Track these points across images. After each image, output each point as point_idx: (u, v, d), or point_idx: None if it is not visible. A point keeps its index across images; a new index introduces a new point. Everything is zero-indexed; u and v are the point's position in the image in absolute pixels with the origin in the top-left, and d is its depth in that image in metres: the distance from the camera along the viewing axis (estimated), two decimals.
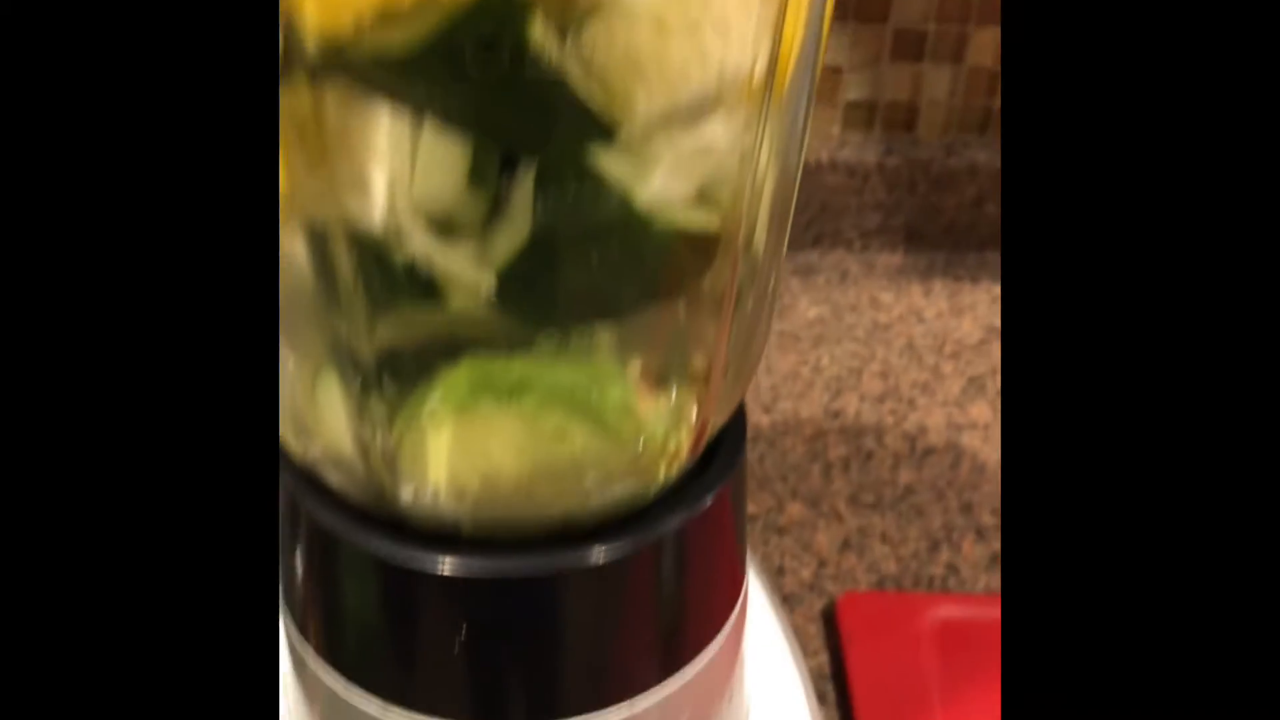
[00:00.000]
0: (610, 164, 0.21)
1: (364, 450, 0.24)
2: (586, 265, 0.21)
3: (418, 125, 0.20)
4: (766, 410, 0.62)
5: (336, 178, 0.20)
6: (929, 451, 0.60)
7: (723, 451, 0.30)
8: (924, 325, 0.67)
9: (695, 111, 0.21)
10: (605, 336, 0.23)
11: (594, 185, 0.20)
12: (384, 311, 0.22)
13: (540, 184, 0.20)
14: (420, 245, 0.21)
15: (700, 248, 0.24)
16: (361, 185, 0.20)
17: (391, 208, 0.20)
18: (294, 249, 0.22)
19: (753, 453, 0.60)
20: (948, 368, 0.65)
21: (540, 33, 0.19)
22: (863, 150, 0.70)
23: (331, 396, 0.24)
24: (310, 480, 0.27)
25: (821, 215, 0.71)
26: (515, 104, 0.19)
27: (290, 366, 0.24)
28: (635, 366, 0.25)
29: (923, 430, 0.61)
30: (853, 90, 0.69)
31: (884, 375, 0.64)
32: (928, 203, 0.70)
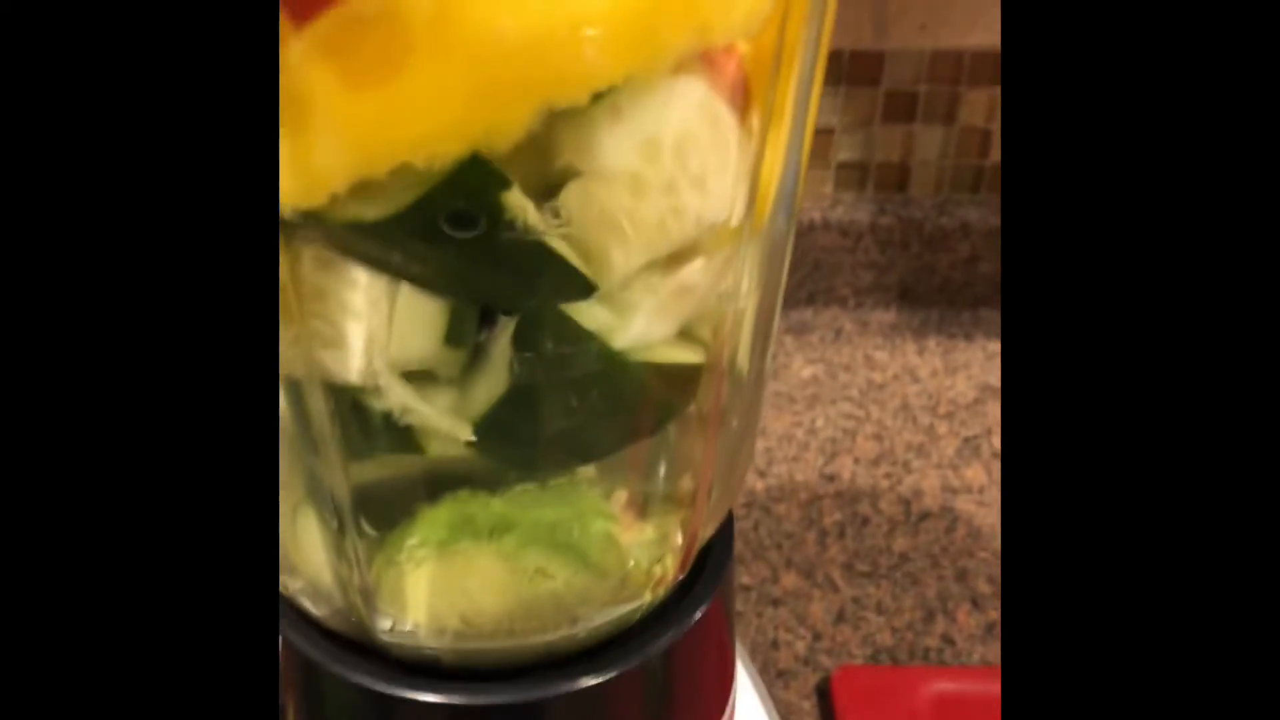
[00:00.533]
0: (590, 315, 0.21)
1: (343, 586, 0.24)
2: (567, 411, 0.21)
3: (394, 286, 0.20)
4: (761, 475, 0.61)
5: (312, 334, 0.20)
6: (924, 516, 0.59)
7: (710, 563, 0.29)
8: (918, 385, 0.67)
9: (674, 259, 0.21)
10: (587, 472, 0.23)
11: (573, 336, 0.20)
12: (361, 457, 0.22)
13: (519, 337, 0.20)
14: (397, 398, 0.21)
15: (683, 381, 0.24)
16: (337, 342, 0.20)
17: (368, 363, 0.20)
18: None
19: (747, 520, 0.59)
20: (942, 428, 0.65)
21: (517, 200, 0.19)
22: (855, 210, 0.70)
23: (310, 533, 0.24)
24: (292, 607, 0.26)
25: (815, 273, 0.71)
26: (492, 266, 0.19)
27: None
28: (619, 498, 0.24)
29: (918, 494, 0.61)
30: (845, 151, 0.69)
31: (879, 437, 0.64)
32: (921, 261, 0.70)
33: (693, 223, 0.20)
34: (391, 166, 0.18)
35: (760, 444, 0.63)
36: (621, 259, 0.20)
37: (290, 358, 0.21)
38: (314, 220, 0.19)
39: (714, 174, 0.20)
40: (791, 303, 0.73)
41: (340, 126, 0.18)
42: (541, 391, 0.21)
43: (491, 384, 0.21)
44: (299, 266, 0.20)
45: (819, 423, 0.65)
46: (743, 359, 0.26)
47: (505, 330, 0.20)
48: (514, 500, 0.23)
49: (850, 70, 0.67)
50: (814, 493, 0.61)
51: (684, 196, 0.20)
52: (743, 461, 0.29)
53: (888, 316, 0.72)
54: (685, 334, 0.23)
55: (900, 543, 0.59)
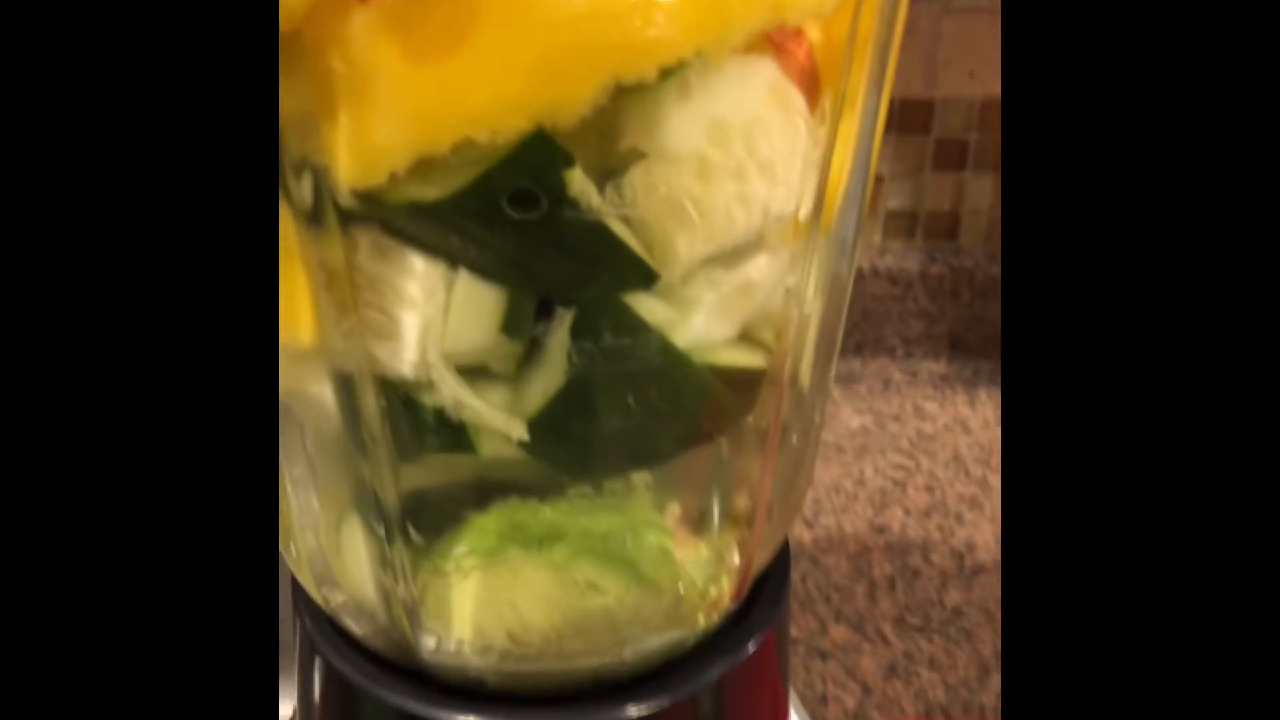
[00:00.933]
0: (650, 308, 0.20)
1: (386, 599, 0.23)
2: (624, 411, 0.20)
3: (451, 274, 0.19)
4: (809, 525, 0.60)
5: (366, 325, 0.19)
6: (978, 570, 0.57)
7: (766, 593, 0.28)
8: (970, 436, 0.65)
9: (739, 253, 0.20)
10: (642, 480, 0.22)
11: (633, 330, 0.19)
12: (411, 457, 0.21)
13: (577, 330, 0.19)
14: (450, 392, 0.20)
15: (744, 387, 0.23)
16: (392, 333, 0.19)
17: (422, 356, 0.20)
18: (321, 393, 0.21)
19: (795, 571, 0.57)
20: (995, 480, 0.63)
21: (579, 181, 0.18)
22: (904, 258, 0.69)
23: (355, 543, 0.23)
24: (331, 627, 0.25)
25: (864, 322, 0.70)
26: (552, 252, 0.19)
27: (314, 512, 0.23)
28: (674, 511, 0.23)
29: (970, 547, 0.59)
30: (894, 199, 0.69)
31: (930, 488, 0.62)
32: (971, 311, 0.69)
33: (760, 212, 0.20)
34: (454, 142, 0.17)
35: (809, 494, 0.62)
36: (685, 247, 0.19)
37: (343, 351, 0.20)
38: (372, 203, 0.18)
39: (783, 162, 0.19)
40: (839, 352, 0.72)
41: (402, 101, 0.17)
42: (598, 388, 0.20)
43: (547, 380, 0.20)
44: (355, 255, 0.19)
45: (868, 473, 0.63)
46: (805, 370, 0.25)
47: (562, 323, 0.20)
48: (565, 509, 0.22)
49: (900, 118, 0.67)
50: (863, 544, 0.59)
51: (752, 183, 0.19)
52: (802, 483, 0.27)
53: (938, 367, 0.70)
54: (747, 336, 0.22)
55: (953, 596, 0.56)
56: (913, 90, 0.67)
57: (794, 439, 0.25)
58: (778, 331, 0.22)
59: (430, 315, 0.19)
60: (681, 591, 0.24)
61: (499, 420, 0.20)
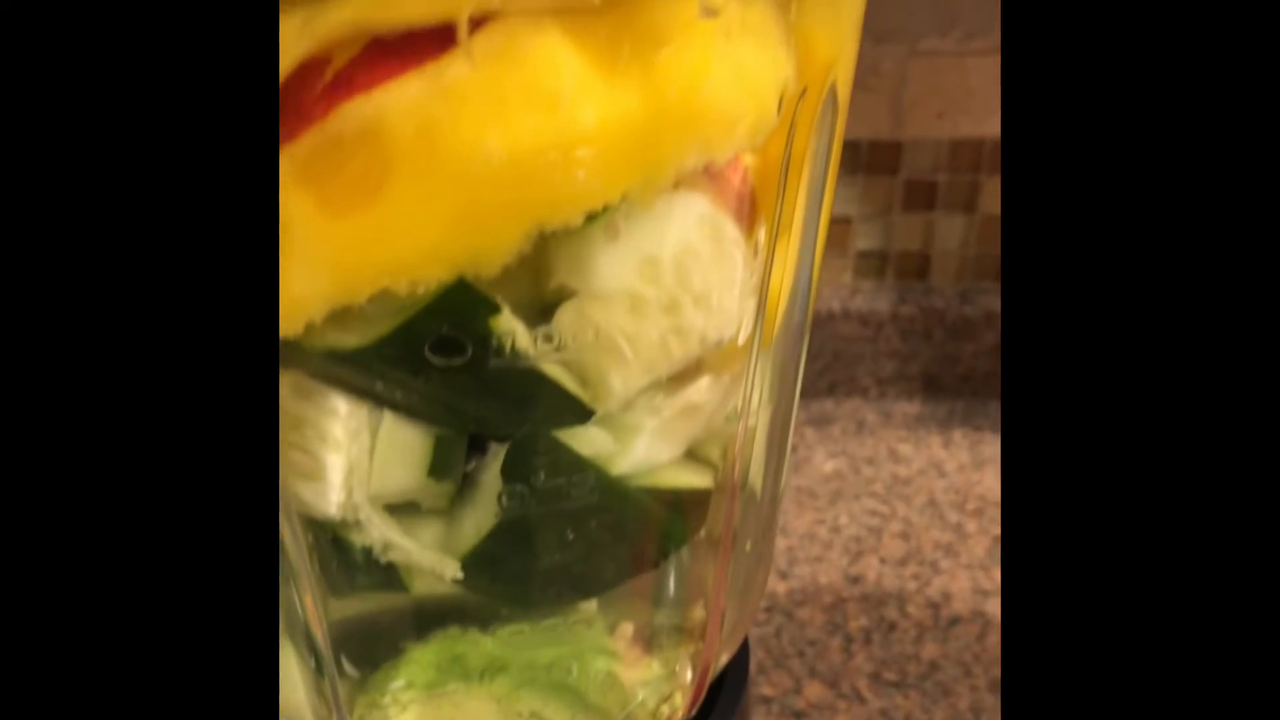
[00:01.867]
0: (588, 439, 0.19)
1: None
2: (562, 544, 0.20)
3: (376, 415, 0.18)
4: (783, 576, 0.59)
5: (289, 464, 0.19)
6: (954, 621, 0.56)
7: (723, 697, 0.27)
8: (945, 479, 0.65)
9: (678, 379, 0.20)
10: (586, 606, 0.22)
11: (568, 466, 0.19)
12: (341, 593, 0.20)
13: (508, 468, 0.19)
14: (379, 534, 0.19)
15: (691, 507, 0.22)
16: (316, 474, 0.19)
17: (348, 497, 0.19)
18: None
19: (769, 625, 0.57)
20: (971, 526, 0.62)
21: (506, 324, 0.17)
22: (875, 299, 0.69)
23: (289, 669, 0.22)
24: None
25: (835, 364, 0.70)
26: (480, 394, 0.18)
27: None
28: (623, 631, 0.23)
29: (947, 597, 0.58)
30: (863, 240, 0.68)
31: (905, 535, 0.61)
32: (944, 351, 0.68)
33: (697, 342, 0.19)
34: (372, 293, 0.17)
35: (782, 543, 0.61)
36: (620, 383, 0.19)
37: None
38: (289, 348, 0.18)
39: (719, 291, 0.19)
40: (812, 393, 0.71)
41: (318, 252, 0.17)
42: (534, 523, 0.19)
43: (481, 516, 0.19)
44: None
45: (842, 519, 0.62)
46: (755, 477, 0.24)
47: (496, 458, 0.19)
48: (507, 639, 0.21)
49: (868, 160, 0.67)
50: (838, 595, 0.58)
51: (687, 315, 0.19)
52: (758, 585, 0.27)
53: (911, 407, 0.70)
54: (692, 455, 0.21)
55: (930, 649, 0.56)
56: (880, 132, 0.67)
57: (747, 545, 0.25)
58: (724, 447, 0.22)
59: (355, 457, 0.19)
60: (632, 712, 0.23)
61: (430, 559, 0.19)
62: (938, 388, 0.71)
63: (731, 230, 0.19)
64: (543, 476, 0.19)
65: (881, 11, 0.66)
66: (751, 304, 0.20)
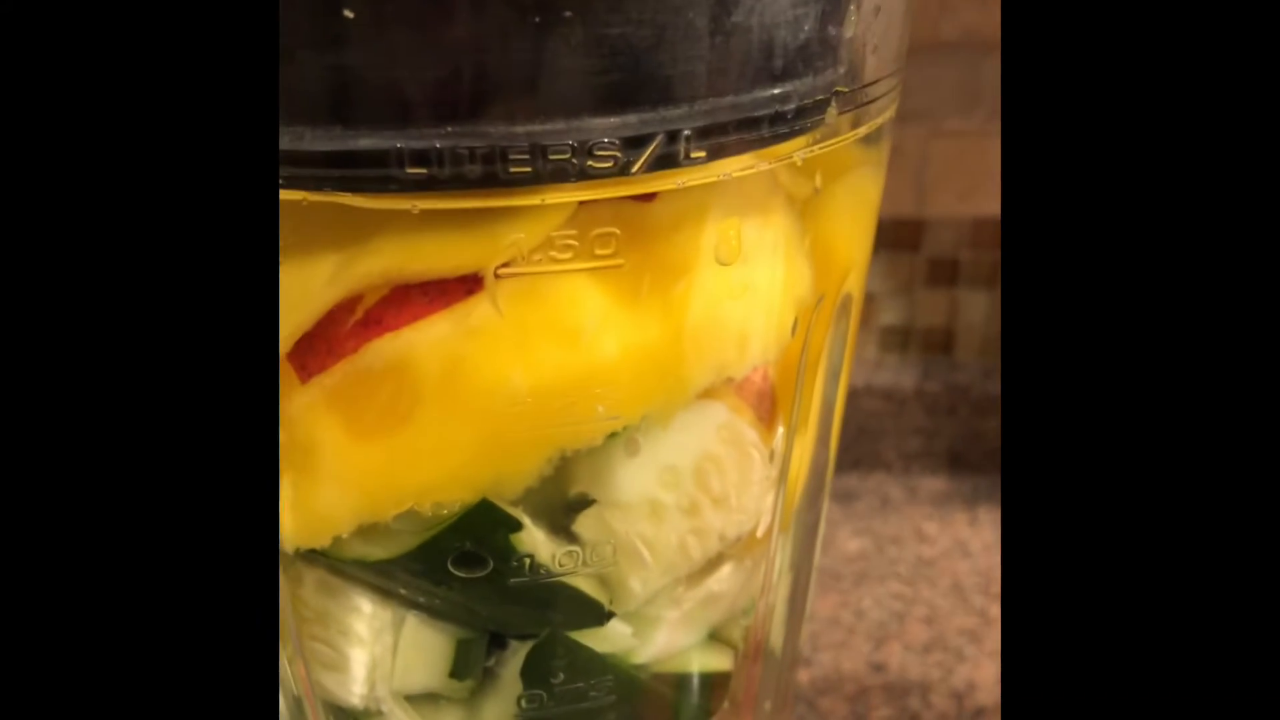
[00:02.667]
0: (606, 637, 0.19)
1: None
2: None
3: (399, 615, 0.19)
4: (807, 663, 0.59)
5: (312, 655, 0.19)
6: (978, 713, 0.56)
7: None
8: (970, 561, 0.64)
9: (699, 573, 0.20)
10: None
11: (587, 668, 0.19)
12: None
13: (527, 672, 0.19)
14: None
15: (712, 689, 0.22)
16: (339, 666, 0.19)
17: (370, 689, 0.19)
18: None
19: (793, 716, 0.56)
20: (995, 611, 0.62)
21: (528, 540, 0.18)
22: (899, 374, 0.69)
23: None
24: None
25: (860, 439, 0.70)
26: (501, 601, 0.18)
27: None
28: None
29: (971, 687, 0.58)
30: (887, 315, 0.68)
31: (929, 620, 0.61)
32: (969, 427, 0.68)
33: (716, 540, 0.19)
34: (398, 512, 0.17)
35: (806, 628, 0.61)
36: (640, 585, 0.19)
37: (290, 676, 0.20)
38: (316, 556, 0.18)
39: (737, 491, 0.19)
40: (837, 468, 0.71)
41: (345, 474, 0.17)
42: (554, 718, 0.20)
43: (501, 709, 0.20)
44: (300, 589, 0.19)
45: (866, 603, 0.62)
46: (775, 642, 0.24)
47: (516, 654, 0.19)
48: None
49: (891, 236, 0.67)
50: (861, 684, 0.58)
51: (706, 517, 0.19)
52: None
53: (937, 483, 0.70)
54: (714, 636, 0.22)
55: None
56: (903, 210, 0.67)
57: (767, 705, 0.25)
58: (746, 627, 0.22)
59: (378, 654, 0.19)
60: None
61: None
62: (963, 464, 0.70)
63: (750, 434, 0.19)
64: (561, 679, 0.19)
65: (905, 92, 0.66)
66: (771, 497, 0.20)
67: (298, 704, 0.20)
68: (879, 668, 0.59)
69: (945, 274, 0.67)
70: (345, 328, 0.16)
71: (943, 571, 0.64)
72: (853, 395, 0.69)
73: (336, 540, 0.18)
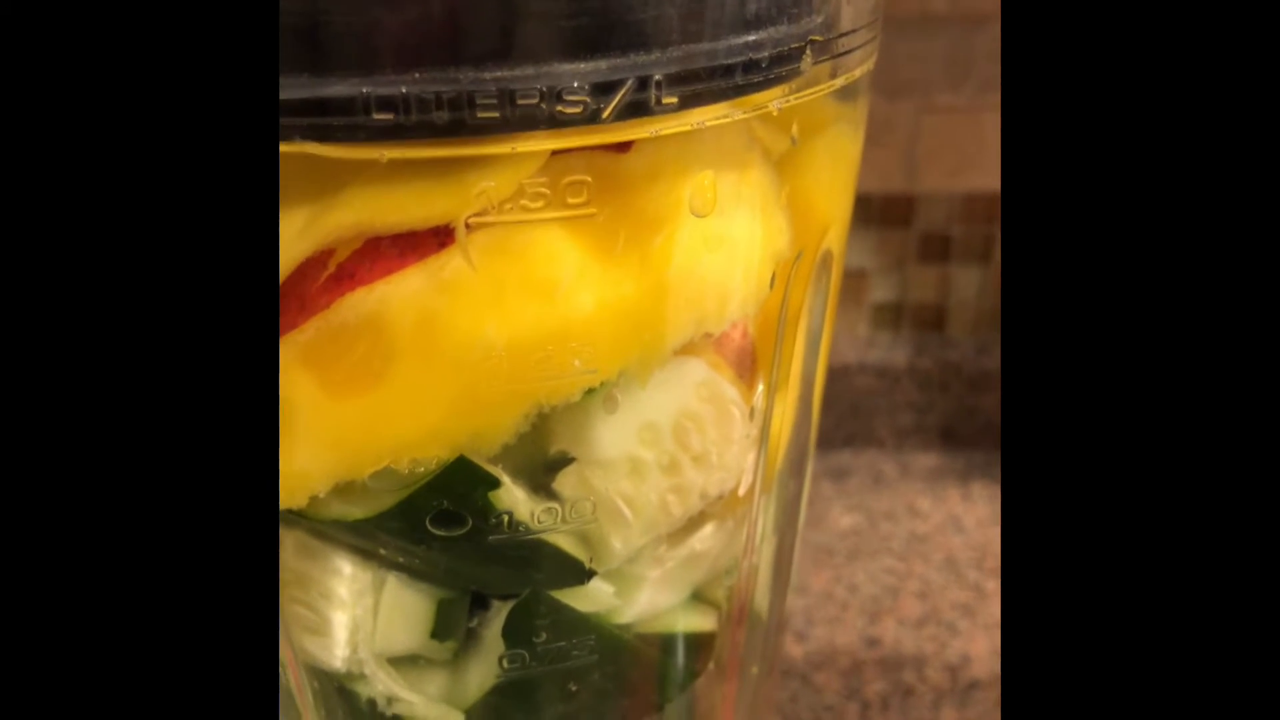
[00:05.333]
0: (589, 595, 0.19)
1: None
2: (566, 696, 0.20)
3: (380, 576, 0.19)
4: (801, 638, 0.59)
5: (294, 618, 0.19)
6: (972, 686, 0.56)
7: None
8: (963, 536, 0.64)
9: (681, 531, 0.20)
10: None
11: (569, 627, 0.19)
12: None
13: (509, 631, 0.19)
14: (383, 686, 0.19)
15: (696, 650, 0.22)
16: (320, 629, 0.19)
17: (353, 652, 0.19)
18: None
19: (786, 690, 0.56)
20: (990, 585, 0.62)
21: (506, 497, 0.18)
22: (892, 351, 0.69)
23: None
24: None
25: (852, 416, 0.70)
26: (482, 561, 0.18)
27: None
28: None
29: (965, 660, 0.58)
30: (879, 292, 0.68)
31: (923, 595, 0.61)
32: (962, 403, 0.68)
33: (697, 498, 0.19)
34: (374, 470, 0.17)
35: (800, 602, 0.61)
36: (621, 543, 0.19)
37: None
38: (293, 516, 0.18)
39: (718, 449, 0.19)
40: (829, 445, 0.71)
41: (320, 432, 0.17)
42: (537, 680, 0.19)
43: (484, 669, 0.19)
44: (280, 552, 0.19)
45: (859, 578, 0.62)
46: (760, 605, 0.24)
47: (498, 614, 0.19)
48: None
49: (881, 212, 0.67)
50: (855, 659, 0.58)
51: (687, 475, 0.19)
52: (765, 702, 0.27)
53: (929, 460, 0.70)
54: (697, 597, 0.21)
55: (948, 715, 0.55)
56: (894, 186, 0.67)
57: (754, 669, 0.25)
58: (729, 587, 0.22)
59: (360, 616, 0.19)
60: None
61: (435, 712, 0.20)
62: (956, 440, 0.71)
63: (730, 390, 0.19)
64: (544, 638, 0.19)
65: (894, 67, 0.66)
66: (752, 456, 0.20)
67: (281, 668, 0.20)
68: (873, 642, 0.59)
69: (937, 250, 0.67)
70: (317, 283, 0.16)
71: (936, 547, 0.64)
72: (845, 372, 0.69)
73: (313, 500, 0.17)
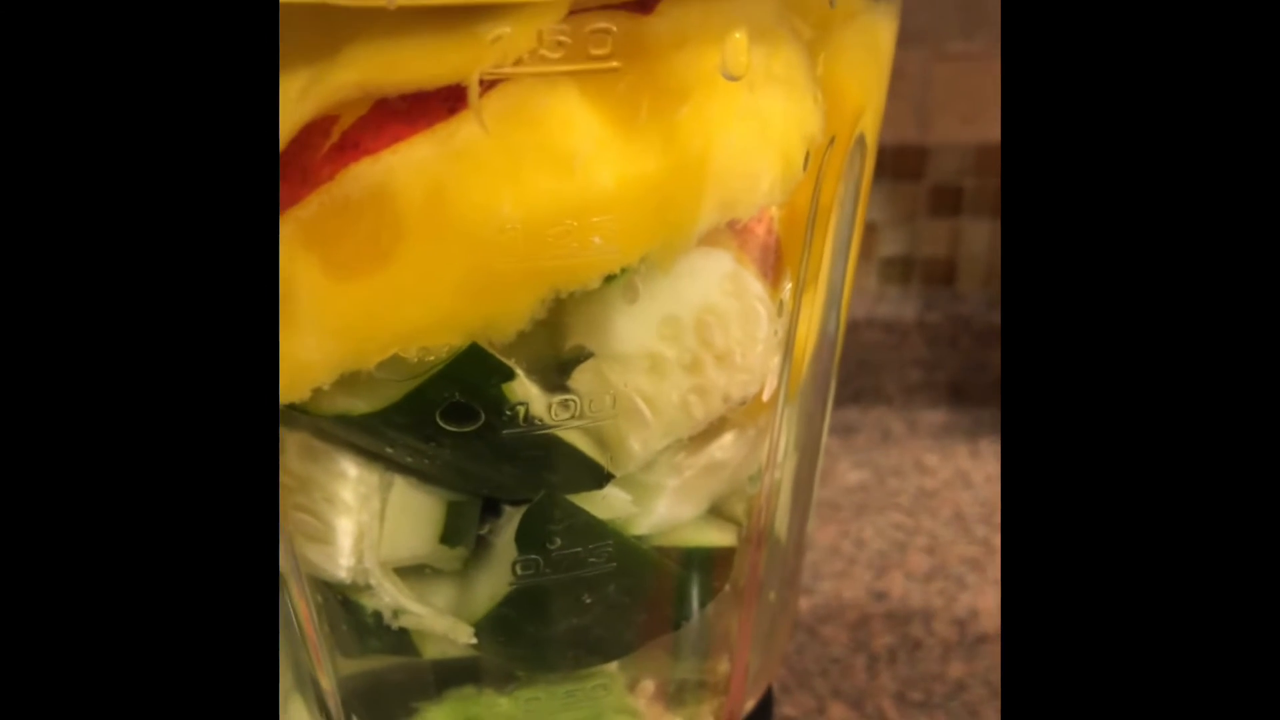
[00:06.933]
0: (608, 500, 0.18)
1: None
2: (579, 608, 0.19)
3: (387, 479, 0.18)
4: (808, 592, 0.58)
5: (296, 526, 0.18)
6: (980, 639, 0.55)
7: None
8: (971, 491, 0.64)
9: (701, 437, 0.19)
10: (605, 667, 0.21)
11: (584, 533, 0.18)
12: (351, 655, 0.20)
13: (522, 536, 0.18)
14: (390, 599, 0.19)
15: (715, 566, 0.21)
16: (325, 537, 0.18)
17: (358, 561, 0.18)
18: None
19: (792, 643, 0.56)
20: (998, 541, 0.61)
21: (521, 390, 0.17)
22: (901, 306, 0.68)
23: None
24: None
25: (860, 372, 0.69)
26: (494, 460, 0.17)
27: None
28: (644, 689, 0.22)
29: (973, 614, 0.57)
30: (889, 246, 0.67)
31: (931, 550, 0.60)
32: (971, 359, 0.67)
33: (720, 401, 0.18)
34: (381, 359, 0.16)
35: (806, 557, 0.60)
36: (640, 445, 0.18)
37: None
38: (296, 412, 0.17)
39: (742, 348, 0.18)
40: (836, 401, 0.70)
41: (325, 317, 0.16)
42: (550, 590, 0.19)
43: (495, 581, 0.19)
44: (282, 456, 0.18)
45: (867, 533, 0.61)
46: (780, 527, 0.23)
47: (510, 521, 0.18)
48: (523, 700, 0.20)
49: (893, 165, 0.65)
50: (862, 612, 0.57)
51: (709, 374, 0.18)
52: (783, 633, 0.26)
53: (938, 416, 0.69)
54: (716, 511, 0.21)
55: (956, 668, 0.55)
56: (905, 136, 0.65)
57: (772, 595, 0.24)
58: (749, 503, 0.21)
59: (365, 522, 0.18)
60: None
61: (444, 625, 0.19)
62: (964, 396, 0.70)
63: (756, 286, 0.18)
64: (559, 543, 0.18)
65: (906, 13, 0.64)
66: (777, 359, 0.19)
67: (284, 582, 0.19)
68: (880, 596, 0.58)
69: (948, 202, 0.66)
70: (320, 152, 0.15)
71: (944, 502, 0.64)
72: (853, 327, 0.68)
73: (316, 393, 0.16)
